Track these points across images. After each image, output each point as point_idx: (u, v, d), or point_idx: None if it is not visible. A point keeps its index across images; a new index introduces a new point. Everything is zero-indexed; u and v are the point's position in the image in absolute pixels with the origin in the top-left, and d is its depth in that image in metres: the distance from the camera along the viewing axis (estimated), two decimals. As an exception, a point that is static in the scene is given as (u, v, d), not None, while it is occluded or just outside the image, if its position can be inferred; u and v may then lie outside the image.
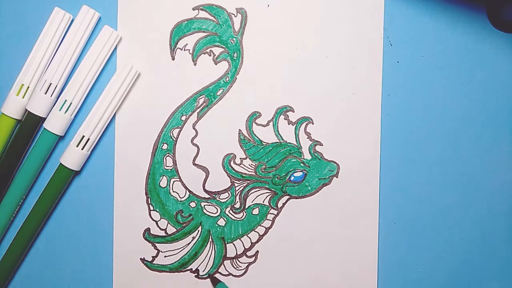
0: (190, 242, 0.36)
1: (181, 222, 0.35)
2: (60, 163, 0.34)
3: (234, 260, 0.36)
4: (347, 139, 0.35)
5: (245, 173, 0.35)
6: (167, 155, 0.35)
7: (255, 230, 0.35)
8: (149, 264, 0.36)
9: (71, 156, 0.34)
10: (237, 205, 0.35)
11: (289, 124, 0.35)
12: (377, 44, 0.35)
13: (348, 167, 0.35)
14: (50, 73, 0.33)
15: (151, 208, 0.35)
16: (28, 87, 0.34)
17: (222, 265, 0.36)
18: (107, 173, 0.35)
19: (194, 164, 0.35)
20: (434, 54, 0.35)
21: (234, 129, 0.35)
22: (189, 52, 0.35)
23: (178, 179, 0.35)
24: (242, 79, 0.35)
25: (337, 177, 0.35)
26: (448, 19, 0.35)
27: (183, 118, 0.35)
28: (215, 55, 0.35)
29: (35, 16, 0.34)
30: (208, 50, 0.35)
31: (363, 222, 0.35)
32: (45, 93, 0.33)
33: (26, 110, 0.34)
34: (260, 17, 0.35)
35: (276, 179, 0.35)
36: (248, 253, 0.36)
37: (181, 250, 0.36)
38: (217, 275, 0.36)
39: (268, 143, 0.35)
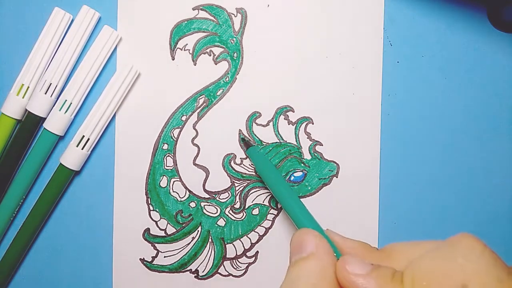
0: (189, 243, 0.36)
1: (181, 222, 0.35)
2: (60, 163, 0.34)
3: (234, 260, 0.36)
4: (347, 139, 0.35)
5: (245, 173, 0.35)
6: (167, 155, 0.35)
7: (255, 230, 0.35)
8: (149, 265, 0.36)
9: (71, 156, 0.34)
10: (237, 205, 0.35)
11: (289, 124, 0.35)
12: (377, 44, 0.35)
13: (348, 167, 0.35)
14: (50, 73, 0.33)
15: (151, 208, 0.35)
16: (28, 87, 0.34)
17: (222, 266, 0.36)
18: (107, 173, 0.35)
19: (195, 164, 0.35)
20: (434, 54, 0.35)
21: (234, 129, 0.35)
22: (189, 52, 0.35)
23: (178, 179, 0.35)
24: (242, 79, 0.35)
25: (337, 177, 0.35)
26: (448, 19, 0.35)
27: (184, 118, 0.35)
28: (215, 55, 0.35)
29: (35, 16, 0.34)
30: (208, 50, 0.35)
31: (363, 222, 0.35)
32: (45, 93, 0.33)
33: (26, 110, 0.34)
34: (260, 17, 0.35)
35: (276, 179, 0.35)
36: (248, 254, 0.36)
37: (181, 251, 0.36)
38: (217, 276, 0.36)
39: (268, 143, 0.35)
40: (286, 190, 0.29)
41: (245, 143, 0.34)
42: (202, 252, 0.36)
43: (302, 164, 0.35)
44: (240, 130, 0.35)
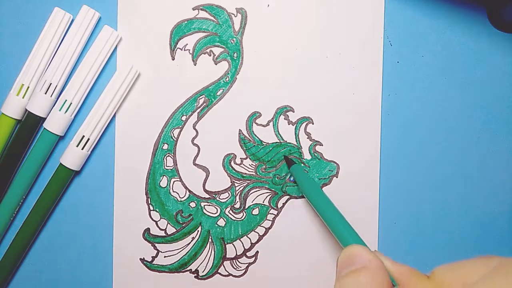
0: (189, 243, 0.36)
1: (181, 222, 0.35)
2: (60, 163, 0.34)
3: (234, 260, 0.36)
4: (347, 139, 0.35)
5: (245, 173, 0.35)
6: (167, 155, 0.35)
7: (255, 230, 0.35)
8: (149, 265, 0.36)
9: (71, 156, 0.34)
10: (237, 205, 0.35)
11: (289, 124, 0.35)
12: (377, 44, 0.35)
13: (348, 167, 0.35)
14: (50, 73, 0.33)
15: (151, 208, 0.35)
16: (28, 87, 0.34)
17: (222, 266, 0.36)
18: (107, 173, 0.35)
19: (195, 164, 0.35)
20: (434, 54, 0.35)
21: (234, 129, 0.35)
22: (189, 52, 0.35)
23: (178, 179, 0.35)
24: (242, 79, 0.35)
25: (337, 177, 0.35)
26: (448, 19, 0.35)
27: (184, 118, 0.35)
28: (215, 55, 0.35)
29: (35, 16, 0.34)
30: (208, 50, 0.35)
31: (363, 222, 0.35)
32: (45, 93, 0.33)
33: (26, 110, 0.34)
34: (260, 17, 0.35)
35: (276, 179, 0.35)
36: (248, 254, 0.36)
37: (181, 251, 0.36)
38: (217, 276, 0.36)
39: (268, 143, 0.35)
40: (331, 209, 0.28)
41: (288, 160, 0.35)
42: (202, 252, 0.36)
43: (302, 164, 0.35)
44: (240, 130, 0.35)
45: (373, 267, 0.21)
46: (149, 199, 0.35)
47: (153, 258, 0.35)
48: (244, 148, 0.35)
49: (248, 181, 0.35)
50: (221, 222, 0.35)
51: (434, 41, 0.35)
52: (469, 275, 0.20)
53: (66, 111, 0.34)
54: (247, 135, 0.35)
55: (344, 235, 0.26)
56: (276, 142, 0.35)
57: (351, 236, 0.26)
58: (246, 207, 0.35)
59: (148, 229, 0.35)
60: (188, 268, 0.36)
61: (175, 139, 0.35)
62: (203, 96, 0.35)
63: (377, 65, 0.35)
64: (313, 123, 0.35)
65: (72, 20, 0.34)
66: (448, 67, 0.35)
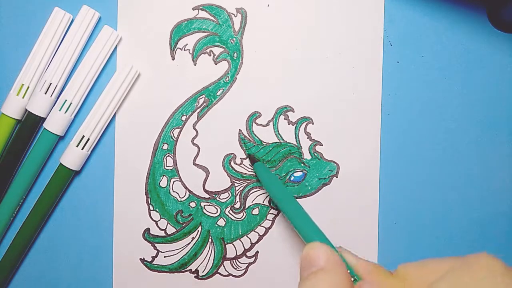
0: (189, 243, 0.36)
1: (181, 222, 0.35)
2: (60, 163, 0.34)
3: (234, 260, 0.36)
4: (347, 139, 0.35)
5: (245, 173, 0.35)
6: (167, 155, 0.35)
7: (255, 230, 0.35)
8: (149, 265, 0.36)
9: (71, 156, 0.34)
10: (237, 205, 0.35)
11: (289, 124, 0.35)
12: (377, 44, 0.35)
13: (348, 167, 0.35)
14: (50, 73, 0.33)
15: (151, 208, 0.35)
16: (28, 87, 0.34)
17: (222, 266, 0.36)
18: (107, 173, 0.35)
19: (195, 164, 0.35)
20: (434, 54, 0.35)
21: (234, 129, 0.35)
22: (189, 52, 0.35)
23: (178, 179, 0.35)
24: (242, 79, 0.35)
25: (337, 177, 0.35)
26: (448, 19, 0.35)
27: (183, 118, 0.35)
28: (215, 55, 0.35)
29: (35, 16, 0.34)
30: (208, 50, 0.35)
31: (363, 222, 0.35)
32: (45, 93, 0.33)
33: (26, 110, 0.34)
34: (260, 17, 0.35)
35: (276, 179, 0.35)
36: (248, 254, 0.36)
37: (181, 251, 0.36)
38: (217, 276, 0.36)
39: (268, 143, 0.35)
40: (293, 205, 0.28)
41: (251, 158, 0.35)
42: (202, 252, 0.36)
43: (302, 164, 0.35)
44: (240, 130, 0.35)
45: (329, 267, 0.22)
46: (149, 199, 0.35)
47: (153, 258, 0.35)
48: (244, 148, 0.35)
49: (248, 181, 0.35)
50: (221, 222, 0.35)
51: (434, 41, 0.35)
52: (432, 273, 0.20)
53: (66, 111, 0.34)
54: (247, 135, 0.35)
55: (306, 231, 0.26)
56: (276, 142, 0.35)
57: (313, 231, 0.25)
58: (246, 207, 0.35)
59: (148, 229, 0.35)
60: (188, 268, 0.36)
61: (175, 139, 0.35)
62: (203, 96, 0.35)
63: (377, 65, 0.35)
64: (313, 123, 0.35)
65: (72, 20, 0.34)
66: (448, 67, 0.35)
